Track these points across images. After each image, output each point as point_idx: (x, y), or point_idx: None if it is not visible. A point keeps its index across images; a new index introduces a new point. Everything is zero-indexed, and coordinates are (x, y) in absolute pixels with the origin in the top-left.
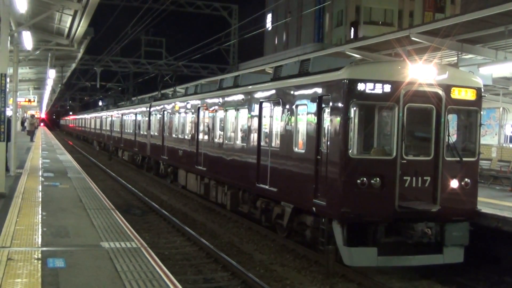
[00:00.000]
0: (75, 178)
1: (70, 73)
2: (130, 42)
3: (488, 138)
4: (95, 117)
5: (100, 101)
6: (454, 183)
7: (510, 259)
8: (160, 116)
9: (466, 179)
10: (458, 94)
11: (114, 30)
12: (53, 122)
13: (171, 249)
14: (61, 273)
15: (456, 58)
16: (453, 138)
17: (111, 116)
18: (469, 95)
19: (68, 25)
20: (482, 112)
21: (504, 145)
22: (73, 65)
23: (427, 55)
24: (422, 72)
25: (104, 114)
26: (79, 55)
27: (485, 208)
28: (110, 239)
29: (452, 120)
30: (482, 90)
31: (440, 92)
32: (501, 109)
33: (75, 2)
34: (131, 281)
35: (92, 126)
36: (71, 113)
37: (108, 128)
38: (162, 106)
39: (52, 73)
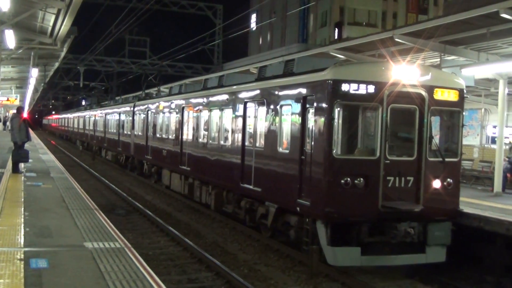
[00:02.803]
0: (58, 178)
1: (53, 72)
2: (114, 41)
3: (470, 139)
4: (78, 116)
5: (84, 100)
6: (436, 183)
7: (492, 258)
8: (144, 115)
9: (449, 179)
10: (441, 95)
11: (98, 29)
12: (35, 122)
13: (155, 249)
14: (44, 274)
15: (439, 59)
16: (436, 138)
17: (95, 115)
18: (451, 96)
19: (51, 23)
20: (464, 113)
21: (485, 145)
22: (56, 64)
23: (411, 56)
24: (405, 73)
25: (87, 113)
26: (62, 54)
27: (467, 208)
28: (93, 239)
29: (435, 121)
30: (465, 91)
31: (423, 93)
32: (483, 110)
33: (59, 1)
34: (115, 282)
35: (75, 126)
36: (53, 112)
37: (91, 127)
38: (146, 106)
39: (34, 72)
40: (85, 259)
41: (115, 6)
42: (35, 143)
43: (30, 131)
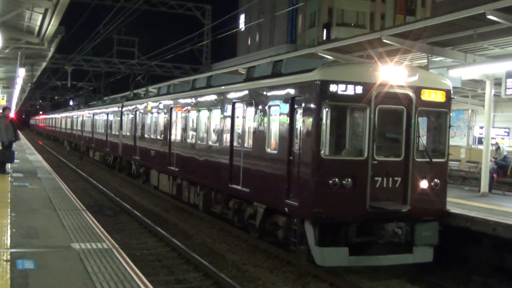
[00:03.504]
0: (45, 179)
1: (40, 72)
2: (102, 41)
3: (457, 140)
4: (66, 116)
5: (71, 100)
6: (424, 184)
7: (478, 258)
8: (132, 116)
9: (436, 180)
10: (428, 96)
11: (86, 29)
12: (23, 122)
13: (143, 250)
14: (31, 275)
15: (426, 60)
16: (423, 139)
17: (82, 116)
18: (438, 97)
19: (38, 23)
20: (451, 114)
21: (472, 146)
22: (44, 64)
23: (398, 57)
24: (393, 74)
25: (75, 113)
26: (50, 54)
27: (454, 208)
28: (80, 240)
29: (422, 122)
30: (452, 92)
31: (411, 93)
32: (470, 111)
33: (46, 1)
34: (102, 283)
35: (63, 126)
36: (41, 112)
37: (79, 128)
38: (134, 106)
39: (22, 72)
40: (72, 260)
41: (103, 6)
42: (22, 144)
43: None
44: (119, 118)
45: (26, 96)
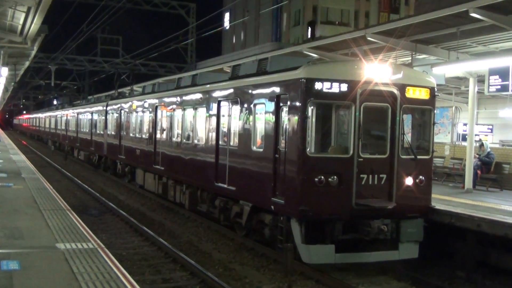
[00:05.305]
0: (29, 179)
1: (23, 71)
2: (86, 39)
3: (441, 137)
4: (50, 116)
5: (55, 100)
6: (409, 181)
7: (463, 254)
8: (117, 115)
9: (421, 177)
10: (412, 93)
11: (69, 27)
12: (6, 122)
13: (129, 250)
14: (16, 276)
15: (410, 58)
16: (408, 136)
17: (67, 115)
18: (423, 94)
19: (21, 22)
20: (435, 111)
21: (456, 143)
22: (27, 63)
23: (383, 55)
24: (377, 71)
25: (59, 113)
26: (33, 53)
27: (439, 204)
28: (66, 240)
29: (407, 119)
30: (436, 89)
31: (395, 91)
32: (453, 108)
33: None
34: (88, 283)
35: (47, 126)
36: (24, 112)
37: (63, 127)
38: (119, 105)
39: (4, 71)
40: (57, 260)
41: (86, 4)
42: (6, 144)
43: (1, 131)
44: (103, 117)
45: (9, 95)
